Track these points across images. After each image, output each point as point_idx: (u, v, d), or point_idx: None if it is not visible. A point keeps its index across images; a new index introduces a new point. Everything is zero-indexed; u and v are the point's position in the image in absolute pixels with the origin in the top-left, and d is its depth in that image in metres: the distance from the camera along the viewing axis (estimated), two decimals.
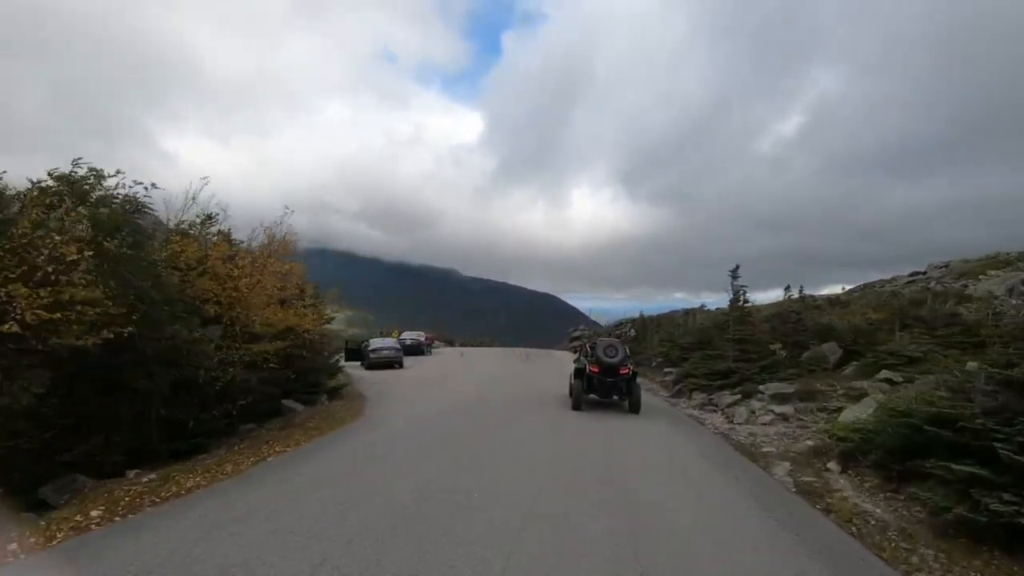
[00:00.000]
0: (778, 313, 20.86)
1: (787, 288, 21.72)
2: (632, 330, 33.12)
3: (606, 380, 12.25)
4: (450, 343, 44.18)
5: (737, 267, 16.58)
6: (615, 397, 12.65)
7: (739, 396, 13.30)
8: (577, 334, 37.96)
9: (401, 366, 23.24)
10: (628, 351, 13.23)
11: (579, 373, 12.76)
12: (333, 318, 19.69)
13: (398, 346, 24.01)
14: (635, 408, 12.24)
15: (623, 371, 12.24)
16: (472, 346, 43.81)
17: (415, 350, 30.20)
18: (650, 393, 16.96)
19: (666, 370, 20.79)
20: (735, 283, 16.53)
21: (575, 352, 16.18)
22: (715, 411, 13.25)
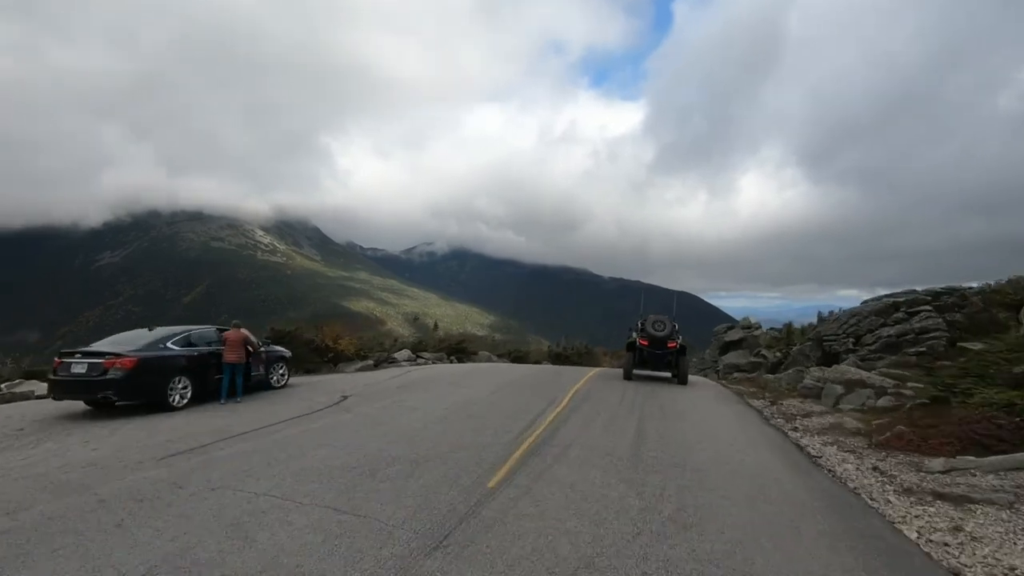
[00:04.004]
0: None
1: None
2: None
3: (655, 352, 13.64)
4: (464, 351, 24.43)
5: None
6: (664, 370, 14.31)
7: None
8: (738, 336, 24.23)
9: None
10: (676, 326, 13.57)
11: (630, 347, 14.16)
12: None
13: None
14: (683, 380, 13.49)
15: (671, 344, 13.45)
16: (556, 356, 29.31)
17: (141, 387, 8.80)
18: None
19: None
20: None
21: (630, 333, 15.29)
22: None
